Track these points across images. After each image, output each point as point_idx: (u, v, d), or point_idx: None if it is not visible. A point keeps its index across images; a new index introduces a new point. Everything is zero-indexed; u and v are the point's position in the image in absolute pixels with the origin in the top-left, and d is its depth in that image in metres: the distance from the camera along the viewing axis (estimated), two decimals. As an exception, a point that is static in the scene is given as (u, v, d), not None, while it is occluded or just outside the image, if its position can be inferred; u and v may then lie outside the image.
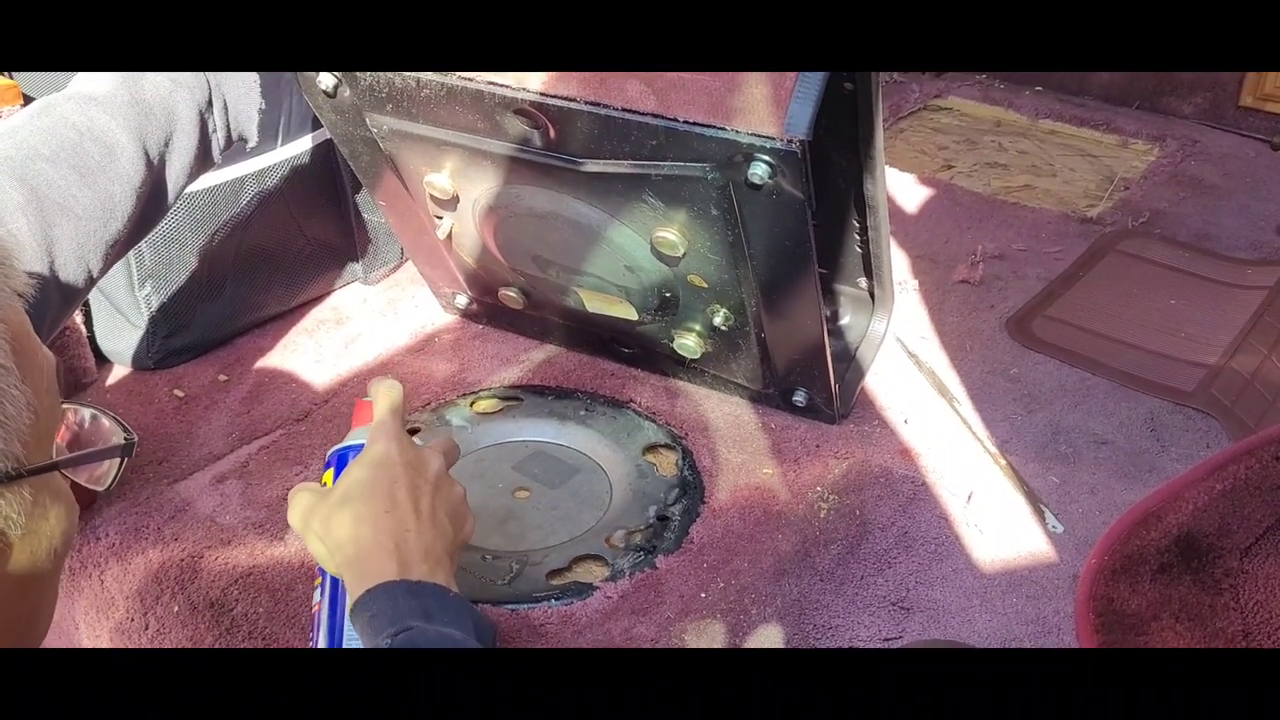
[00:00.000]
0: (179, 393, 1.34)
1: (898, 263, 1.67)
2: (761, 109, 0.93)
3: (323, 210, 1.48)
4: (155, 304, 1.33)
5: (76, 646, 1.15)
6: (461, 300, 1.46)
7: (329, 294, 1.55)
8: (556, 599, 1.04)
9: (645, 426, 1.28)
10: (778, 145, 0.93)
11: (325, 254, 1.51)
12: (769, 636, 1.02)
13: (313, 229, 1.46)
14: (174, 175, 0.98)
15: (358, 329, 1.48)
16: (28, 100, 1.21)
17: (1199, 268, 1.66)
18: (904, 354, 1.44)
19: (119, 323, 1.35)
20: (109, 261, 0.95)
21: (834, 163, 1.17)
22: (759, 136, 0.94)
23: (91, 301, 1.34)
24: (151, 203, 0.97)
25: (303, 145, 1.40)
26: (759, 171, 0.96)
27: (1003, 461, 1.24)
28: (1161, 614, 1.01)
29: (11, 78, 1.21)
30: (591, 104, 0.99)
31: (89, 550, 1.11)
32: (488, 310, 1.45)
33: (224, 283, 1.39)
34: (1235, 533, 1.09)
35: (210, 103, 0.95)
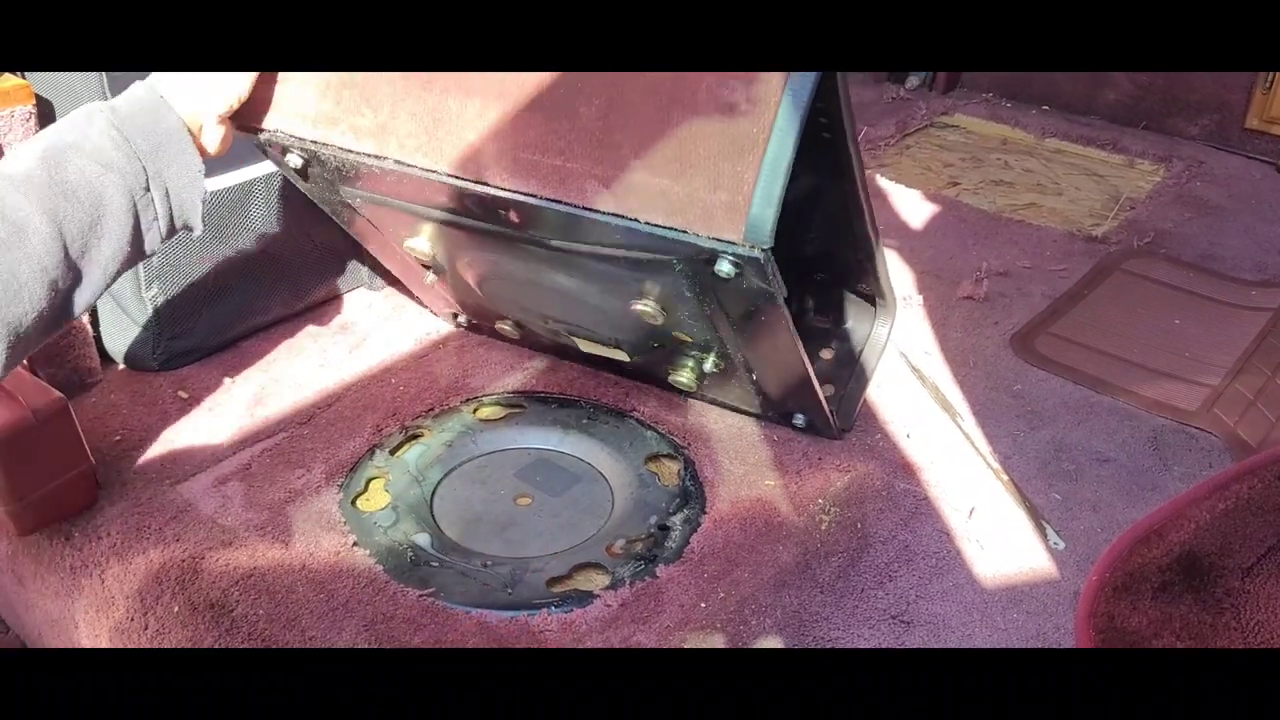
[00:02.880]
0: (183, 394, 1.34)
1: (903, 278, 1.67)
2: (720, 215, 0.89)
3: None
4: (161, 305, 1.33)
5: (76, 645, 1.15)
6: (462, 319, 1.46)
7: (335, 299, 1.55)
8: (557, 606, 1.04)
9: (647, 436, 1.28)
10: (741, 250, 0.90)
11: (332, 259, 1.51)
12: (768, 647, 1.02)
13: (320, 234, 1.47)
14: (102, 261, 0.89)
15: (363, 334, 1.48)
16: (40, 101, 1.22)
17: (1203, 288, 1.66)
18: (907, 369, 1.44)
19: (125, 323, 1.35)
20: (17, 348, 0.86)
21: (824, 189, 1.15)
22: (721, 241, 0.90)
23: (98, 302, 1.35)
24: (71, 288, 0.88)
25: (312, 150, 1.40)
26: (725, 268, 0.92)
27: (1005, 477, 1.24)
28: (1162, 632, 1.01)
29: (24, 78, 1.21)
30: (552, 200, 0.96)
31: (90, 549, 1.11)
32: (488, 329, 1.46)
33: (230, 286, 1.39)
34: (1237, 552, 1.09)
35: (147, 188, 0.90)
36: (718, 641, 1.01)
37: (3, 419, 1.06)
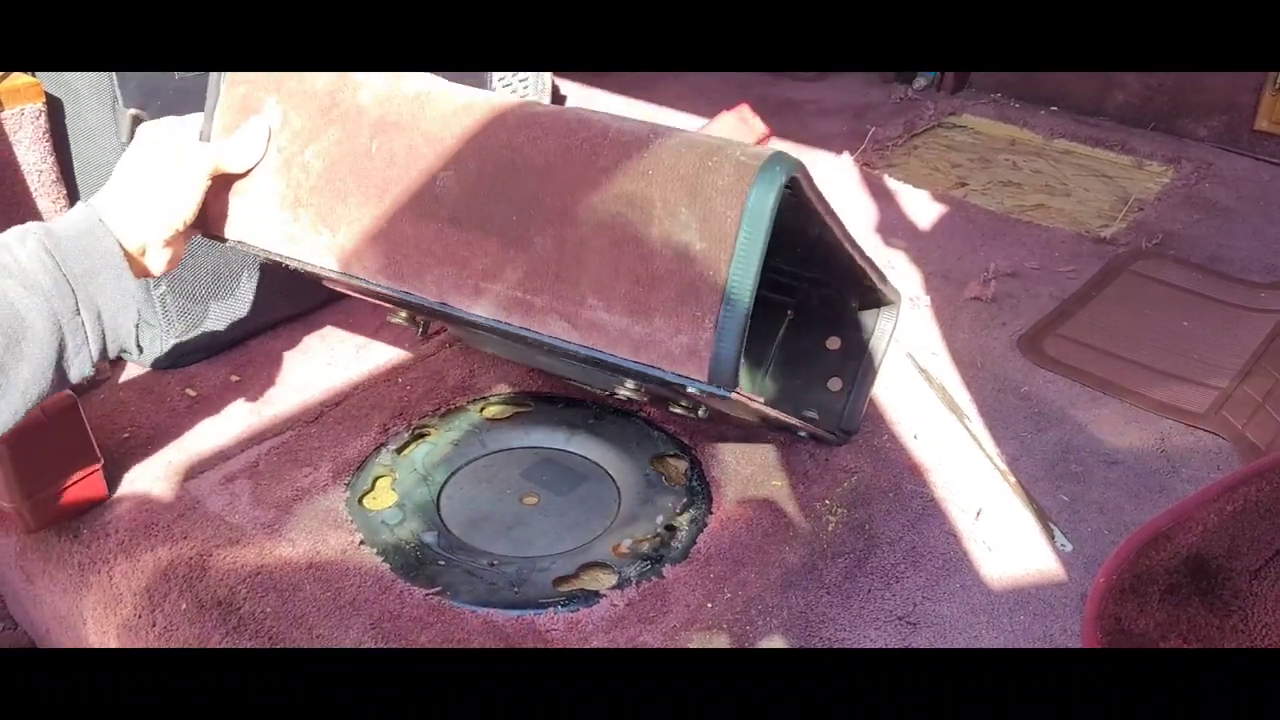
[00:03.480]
0: (191, 392, 1.35)
1: (910, 278, 1.67)
2: (682, 357, 0.88)
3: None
4: (170, 303, 1.34)
5: (84, 642, 1.15)
6: None
7: (343, 297, 1.56)
8: (563, 606, 1.04)
9: (654, 436, 1.28)
10: (707, 387, 0.88)
11: (339, 257, 1.51)
12: (775, 648, 1.02)
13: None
14: (20, 384, 0.86)
15: (370, 332, 1.49)
16: (50, 99, 1.22)
17: (1212, 290, 1.66)
18: (915, 370, 1.44)
19: (133, 321, 1.36)
20: None
21: (811, 221, 1.12)
22: (687, 379, 0.89)
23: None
24: None
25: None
26: (694, 390, 0.91)
27: (1012, 479, 1.24)
28: (1170, 634, 1.01)
29: (34, 76, 1.22)
30: (520, 327, 0.95)
31: (98, 546, 1.11)
32: None
33: (238, 284, 1.40)
34: (1245, 555, 1.09)
35: (77, 311, 0.88)
36: (724, 641, 1.02)
37: (12, 416, 1.06)
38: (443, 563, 1.09)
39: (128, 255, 0.90)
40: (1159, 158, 2.14)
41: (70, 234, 0.87)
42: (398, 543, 1.11)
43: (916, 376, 1.42)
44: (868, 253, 1.17)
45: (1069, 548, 1.15)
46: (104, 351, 0.91)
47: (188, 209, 0.95)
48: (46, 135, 1.22)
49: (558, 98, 2.09)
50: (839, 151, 2.12)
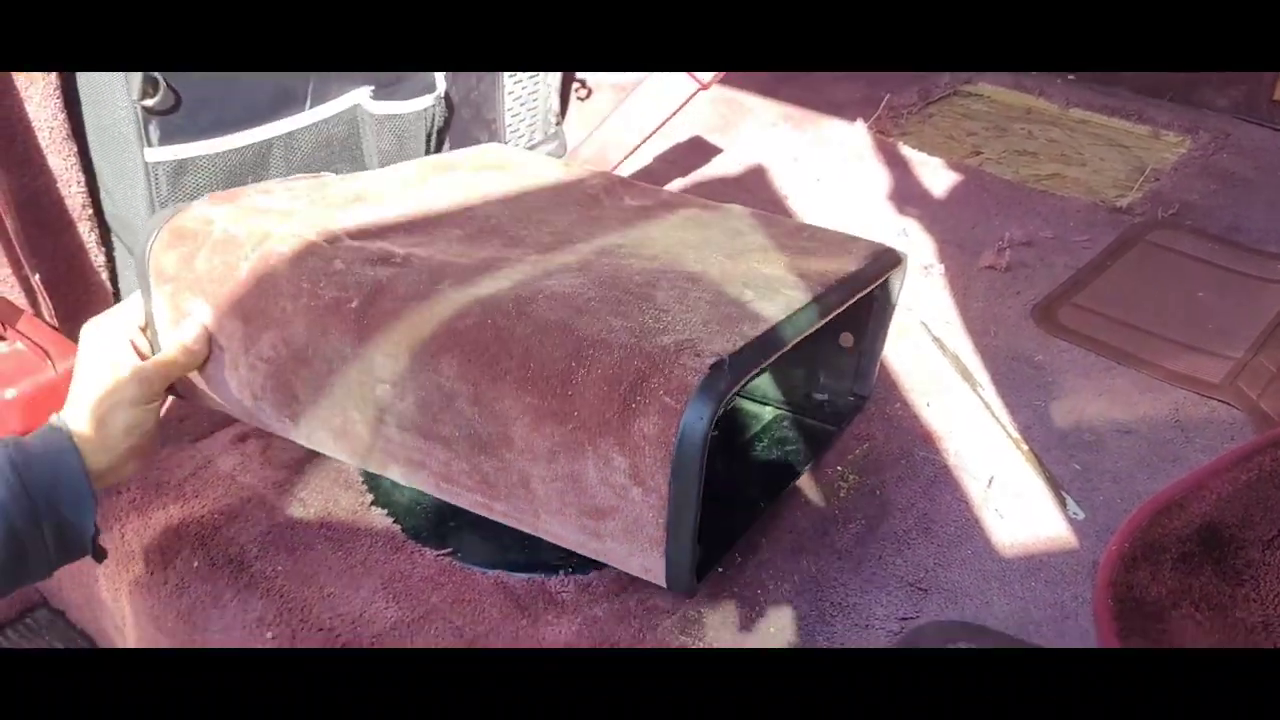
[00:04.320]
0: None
1: (924, 247, 1.66)
2: (640, 571, 0.89)
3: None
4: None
5: (95, 599, 1.16)
6: None
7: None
8: (573, 569, 1.04)
9: (666, 401, 1.27)
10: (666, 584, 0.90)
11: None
12: (784, 613, 1.02)
13: (339, 194, 1.46)
14: None
15: (381, 296, 1.48)
16: (64, 80, 1.21)
17: (1228, 261, 1.65)
18: (928, 337, 1.43)
19: (144, 281, 1.35)
20: None
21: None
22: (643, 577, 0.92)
23: (118, 260, 1.35)
24: None
25: (330, 110, 1.40)
26: None
27: (1024, 447, 1.24)
28: (1181, 602, 1.01)
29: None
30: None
31: (110, 505, 1.12)
32: None
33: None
34: (1258, 524, 1.09)
35: (38, 523, 0.90)
36: (733, 605, 1.02)
37: (29, 377, 1.06)
38: (454, 523, 1.09)
39: (95, 473, 0.92)
40: (1176, 127, 2.12)
41: (39, 450, 0.90)
42: (408, 503, 1.11)
43: (929, 345, 1.42)
44: (862, 267, 1.15)
45: (1081, 516, 1.14)
46: (63, 559, 0.93)
47: (148, 424, 0.96)
48: (58, 92, 1.21)
49: (568, 80, 2.07)
50: (853, 119, 2.11)
